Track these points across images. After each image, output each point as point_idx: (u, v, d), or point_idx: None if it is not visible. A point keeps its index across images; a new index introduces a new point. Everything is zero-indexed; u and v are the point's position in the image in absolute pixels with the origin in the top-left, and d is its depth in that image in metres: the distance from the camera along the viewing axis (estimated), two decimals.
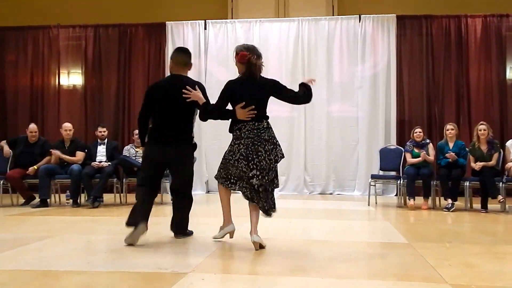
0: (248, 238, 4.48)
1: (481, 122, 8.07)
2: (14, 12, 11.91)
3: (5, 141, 8.78)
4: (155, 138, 4.82)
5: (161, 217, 7.24)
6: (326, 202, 9.37)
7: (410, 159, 8.26)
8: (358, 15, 10.82)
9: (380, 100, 10.63)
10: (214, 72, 10.92)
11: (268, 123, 4.59)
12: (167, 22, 11.23)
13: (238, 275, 3.56)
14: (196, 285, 3.19)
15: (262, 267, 3.77)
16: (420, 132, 8.31)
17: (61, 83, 11.59)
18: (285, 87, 4.63)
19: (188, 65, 5.04)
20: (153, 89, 5.01)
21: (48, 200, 8.25)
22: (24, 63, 11.63)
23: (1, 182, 8.26)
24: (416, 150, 8.21)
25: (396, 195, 9.48)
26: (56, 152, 8.26)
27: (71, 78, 11.65)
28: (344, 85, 10.82)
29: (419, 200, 8.06)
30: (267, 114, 4.65)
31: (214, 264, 3.83)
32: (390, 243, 4.93)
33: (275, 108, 10.86)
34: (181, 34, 11.18)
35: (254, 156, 4.33)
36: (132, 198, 8.33)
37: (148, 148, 4.87)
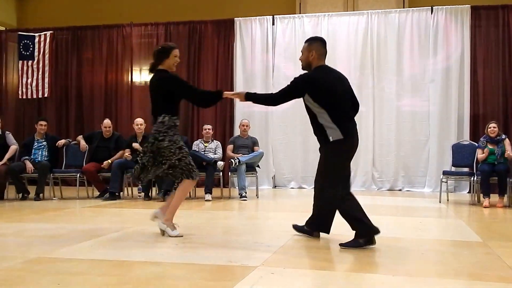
0: (322, 236, 4.51)
1: None
2: (89, 12, 12.41)
3: (81, 136, 9.18)
4: (351, 128, 4.41)
5: (229, 211, 7.36)
6: (395, 198, 9.19)
7: (479, 155, 7.95)
8: (430, 7, 10.51)
9: (453, 94, 10.29)
10: (281, 67, 10.94)
11: None
12: (235, 18, 11.34)
13: (308, 270, 3.56)
14: (266, 279, 3.22)
15: (331, 263, 3.76)
16: (494, 127, 7.97)
17: (134, 79, 11.96)
18: None
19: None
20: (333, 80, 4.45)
21: (121, 193, 8.56)
22: (99, 61, 12.09)
23: (78, 175, 8.64)
24: (490, 146, 7.90)
25: (469, 192, 9.17)
26: (136, 145, 8.51)
27: (143, 74, 12.00)
28: (415, 78, 10.55)
29: (494, 197, 7.76)
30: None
31: (284, 259, 3.85)
32: (463, 241, 4.78)
33: None
34: (250, 30, 11.26)
35: None
36: (201, 192, 8.52)
37: (349, 141, 4.37)
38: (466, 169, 8.79)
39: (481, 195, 7.91)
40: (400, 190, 10.47)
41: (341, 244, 4.22)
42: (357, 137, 4.43)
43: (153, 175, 4.79)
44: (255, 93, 4.76)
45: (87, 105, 12.03)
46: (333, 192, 4.33)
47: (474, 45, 10.36)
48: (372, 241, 4.24)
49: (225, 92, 4.77)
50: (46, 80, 12.01)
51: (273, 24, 11.11)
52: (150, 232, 4.99)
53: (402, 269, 3.55)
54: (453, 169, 8.88)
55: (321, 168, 4.54)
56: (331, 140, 4.28)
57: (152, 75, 4.81)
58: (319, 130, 4.38)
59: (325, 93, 4.27)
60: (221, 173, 8.66)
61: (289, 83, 4.46)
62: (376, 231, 4.23)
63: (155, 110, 4.71)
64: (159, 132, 4.63)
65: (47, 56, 12.00)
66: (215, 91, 4.96)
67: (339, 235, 4.66)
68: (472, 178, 8.24)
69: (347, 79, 4.55)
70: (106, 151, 8.70)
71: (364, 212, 4.34)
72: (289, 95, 4.51)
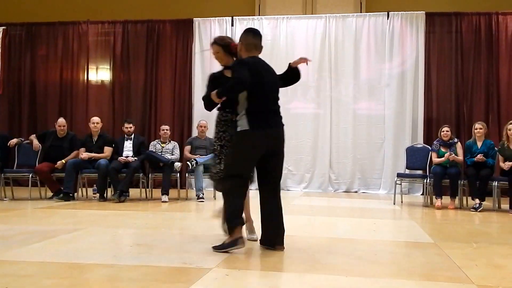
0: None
1: (511, 121, 7.92)
2: (45, 8, 12.13)
3: (34, 135, 8.95)
4: (266, 121, 4.20)
5: (186, 212, 7.31)
6: (351, 200, 9.32)
7: (435, 159, 8.15)
8: (386, 12, 10.72)
9: (408, 98, 10.52)
10: None
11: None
12: (194, 18, 11.29)
13: (262, 271, 3.57)
14: (220, 281, 3.21)
15: (286, 265, 3.77)
16: (447, 131, 8.19)
17: (90, 78, 11.75)
18: None
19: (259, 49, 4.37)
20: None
21: (75, 194, 8.39)
22: (54, 58, 11.81)
23: (30, 175, 8.41)
24: (442, 150, 8.11)
25: (422, 194, 9.39)
26: (85, 157, 8.33)
27: (100, 73, 11.81)
28: (371, 82, 10.73)
29: (446, 199, 7.96)
30: None
31: (238, 260, 3.85)
32: (415, 242, 4.88)
33: (300, 105, 10.99)
34: (208, 30, 11.22)
35: None
36: (157, 193, 8.44)
37: (256, 135, 4.14)
38: (419, 172, 8.99)
39: (434, 197, 8.10)
40: (356, 192, 10.62)
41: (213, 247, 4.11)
42: (273, 130, 4.19)
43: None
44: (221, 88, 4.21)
45: (41, 103, 11.74)
46: (230, 183, 4.21)
47: (428, 51, 10.62)
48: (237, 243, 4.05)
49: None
50: None
51: (232, 25, 11.10)
52: (103, 234, 4.90)
53: (356, 270, 3.59)
54: (407, 171, 9.06)
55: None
56: (238, 130, 4.16)
57: None
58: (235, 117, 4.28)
59: (252, 77, 4.06)
60: (178, 174, 8.60)
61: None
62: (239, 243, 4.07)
63: None
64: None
65: None
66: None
67: (294, 236, 4.69)
68: (425, 180, 8.43)
69: (276, 74, 4.39)
70: (60, 151, 8.50)
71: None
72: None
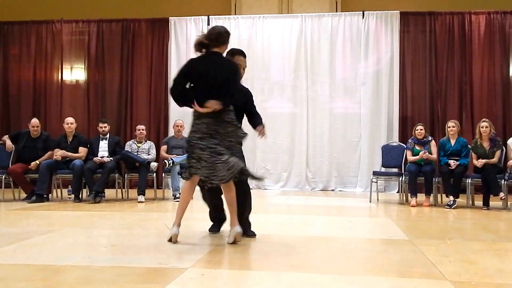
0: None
1: (484, 119, 8.06)
2: (17, 6, 11.93)
3: (7, 135, 8.79)
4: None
5: (162, 212, 7.27)
6: (328, 198, 9.37)
7: (410, 157, 8.24)
8: (361, 11, 10.81)
9: (383, 97, 10.62)
10: None
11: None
12: (170, 17, 11.23)
13: (238, 270, 3.56)
14: (196, 281, 3.20)
15: (262, 263, 3.77)
16: (421, 129, 8.28)
17: (64, 77, 11.61)
18: None
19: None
20: None
21: (50, 195, 8.28)
22: (27, 57, 11.65)
23: (3, 176, 8.27)
24: (417, 148, 8.20)
25: (398, 192, 9.48)
26: (60, 154, 8.23)
27: (74, 73, 11.67)
28: (347, 81, 10.81)
29: (421, 197, 8.05)
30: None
31: (214, 260, 3.84)
32: (390, 239, 4.93)
33: (277, 104, 11.00)
34: (184, 29, 11.18)
35: None
36: (133, 193, 8.37)
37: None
38: (395, 170, 9.08)
39: (409, 195, 8.18)
40: (333, 190, 10.69)
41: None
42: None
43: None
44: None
45: (14, 103, 11.57)
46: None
47: (403, 50, 10.74)
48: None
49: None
50: None
51: (208, 24, 11.05)
52: (78, 235, 4.84)
53: (332, 267, 3.61)
54: (383, 169, 9.15)
55: None
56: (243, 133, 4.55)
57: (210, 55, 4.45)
58: None
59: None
60: (154, 174, 8.55)
61: None
62: None
63: None
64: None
65: None
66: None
67: (271, 235, 4.70)
68: (400, 178, 8.52)
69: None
70: (33, 151, 8.36)
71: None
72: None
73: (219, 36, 4.44)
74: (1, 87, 11.56)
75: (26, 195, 8.28)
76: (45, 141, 8.54)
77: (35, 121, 8.65)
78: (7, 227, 5.60)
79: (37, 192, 8.00)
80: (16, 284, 3.08)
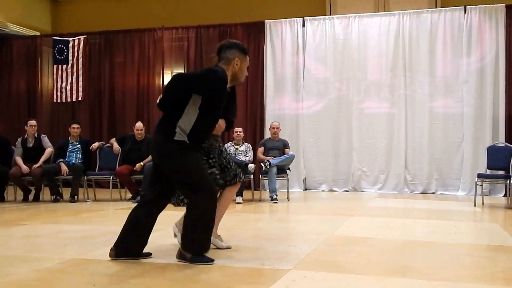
0: (347, 237, 4.43)
1: None
2: (121, 17, 12.62)
3: (114, 138, 9.31)
4: None
5: (260, 213, 7.36)
6: (428, 201, 9.05)
7: None
8: (463, 6, 10.33)
9: (488, 95, 10.08)
10: (312, 69, 10.89)
11: None
12: (265, 20, 11.35)
13: (340, 274, 3.53)
14: (299, 282, 3.21)
15: (365, 267, 3.71)
16: None
17: (165, 83, 12.07)
18: None
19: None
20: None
21: None
22: (131, 64, 12.26)
23: (111, 177, 8.77)
24: None
25: (504, 195, 8.98)
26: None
27: None
28: (448, 79, 10.38)
29: None
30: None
31: (316, 262, 3.83)
32: (499, 246, 4.68)
33: (374, 104, 10.80)
34: (280, 32, 11.25)
35: None
36: None
37: None
38: (501, 172, 8.60)
39: None
40: (433, 193, 10.30)
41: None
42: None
43: None
44: None
45: (119, 108, 12.21)
46: None
47: (509, 45, 10.13)
48: None
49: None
50: (80, 84, 12.24)
51: (303, 26, 11.07)
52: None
53: (437, 274, 3.48)
54: (488, 171, 8.70)
55: None
56: None
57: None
58: None
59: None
60: (252, 175, 8.67)
61: None
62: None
63: None
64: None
65: (80, 60, 12.24)
66: None
67: (371, 238, 4.61)
68: (508, 181, 8.06)
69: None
70: (138, 154, 8.78)
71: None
72: None
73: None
74: (108, 93, 12.25)
75: (131, 195, 8.72)
76: (149, 144, 8.89)
77: (139, 124, 9.08)
78: (116, 226, 5.90)
79: (142, 193, 8.39)
80: (126, 280, 3.25)
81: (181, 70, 11.99)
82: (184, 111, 3.76)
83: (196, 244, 3.74)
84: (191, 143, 3.75)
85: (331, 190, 10.72)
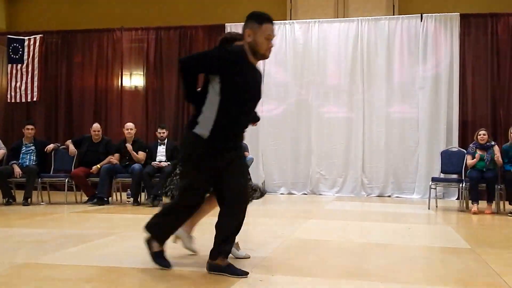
0: (305, 240, 4.46)
1: None
2: (80, 16, 12.38)
3: (70, 140, 9.12)
4: None
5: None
6: (384, 204, 9.21)
7: (469, 161, 7.98)
8: (420, 14, 10.57)
9: (442, 101, 10.34)
10: (272, 73, 10.91)
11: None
12: (226, 23, 11.33)
13: (297, 277, 3.55)
14: (254, 287, 3.21)
15: (321, 270, 3.75)
16: (484, 134, 8.01)
17: (124, 84, 11.93)
18: None
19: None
20: None
21: (110, 198, 8.52)
22: (89, 65, 12.05)
23: (66, 180, 8.58)
24: (479, 153, 7.95)
25: (457, 198, 9.22)
26: (129, 146, 8.52)
27: (133, 79, 11.97)
28: (405, 85, 10.59)
29: (482, 204, 7.80)
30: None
31: (273, 266, 3.84)
32: (451, 248, 4.80)
33: (333, 109, 10.93)
34: None
35: None
36: None
37: None
38: (454, 176, 8.83)
39: (470, 202, 7.95)
40: (389, 196, 10.48)
41: None
42: None
43: None
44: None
45: (76, 109, 11.98)
46: None
47: (463, 53, 10.42)
48: None
49: None
50: (35, 84, 11.95)
51: None
52: (138, 238, 4.95)
53: (391, 276, 3.55)
54: (442, 175, 8.92)
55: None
56: None
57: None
58: None
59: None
60: None
61: None
62: None
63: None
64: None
65: (36, 59, 11.96)
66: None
67: (328, 241, 4.66)
68: (460, 185, 8.28)
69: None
70: (95, 156, 8.63)
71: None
72: None
73: None
74: (65, 94, 12.00)
75: (87, 198, 8.56)
76: (106, 146, 8.81)
77: (96, 126, 8.93)
78: (70, 229, 5.80)
79: (98, 195, 8.26)
80: (82, 285, 3.18)
81: (140, 72, 11.88)
82: (205, 101, 3.43)
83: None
84: (213, 140, 3.39)
85: (290, 193, 10.78)
